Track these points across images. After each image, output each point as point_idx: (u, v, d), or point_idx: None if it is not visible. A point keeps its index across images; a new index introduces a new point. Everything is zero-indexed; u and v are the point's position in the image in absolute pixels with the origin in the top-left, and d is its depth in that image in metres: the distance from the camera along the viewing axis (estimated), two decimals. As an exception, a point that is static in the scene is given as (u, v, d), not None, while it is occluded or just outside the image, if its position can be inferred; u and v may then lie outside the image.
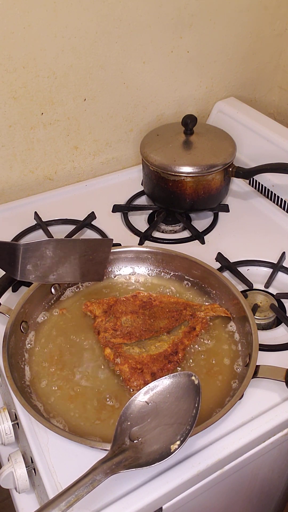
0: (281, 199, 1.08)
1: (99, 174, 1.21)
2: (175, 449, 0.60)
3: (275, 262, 0.94)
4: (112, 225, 1.04)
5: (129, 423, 0.62)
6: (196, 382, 0.64)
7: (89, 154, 1.17)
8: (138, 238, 1.00)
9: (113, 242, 0.88)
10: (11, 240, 1.00)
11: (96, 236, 1.01)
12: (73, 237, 1.00)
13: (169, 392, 0.65)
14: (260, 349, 0.74)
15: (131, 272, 0.90)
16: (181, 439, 0.60)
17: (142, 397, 0.64)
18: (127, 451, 0.60)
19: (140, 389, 0.71)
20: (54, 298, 0.85)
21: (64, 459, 0.65)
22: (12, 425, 0.72)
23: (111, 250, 0.88)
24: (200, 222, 1.06)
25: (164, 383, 0.65)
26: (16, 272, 0.73)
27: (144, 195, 1.13)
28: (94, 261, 0.82)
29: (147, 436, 0.61)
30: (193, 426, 0.61)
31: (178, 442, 0.60)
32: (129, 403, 0.63)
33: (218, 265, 0.93)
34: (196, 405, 0.63)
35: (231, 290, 0.81)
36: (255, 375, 0.70)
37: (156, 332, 0.78)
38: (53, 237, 1.01)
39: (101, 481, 0.56)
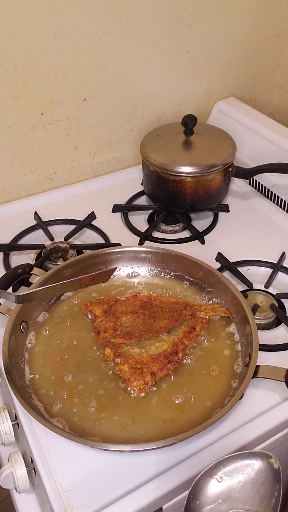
0: (281, 199, 1.08)
1: (99, 174, 1.21)
2: None
3: (275, 262, 0.94)
4: (112, 225, 1.04)
5: (198, 502, 0.55)
6: (276, 466, 0.55)
7: (89, 154, 1.17)
8: (138, 238, 1.00)
9: (113, 242, 0.87)
10: (11, 240, 1.00)
11: (96, 235, 1.02)
12: (72, 238, 1.00)
13: (241, 472, 0.56)
14: (260, 349, 0.74)
15: (131, 272, 0.90)
16: None
17: (212, 472, 0.56)
18: None
19: (140, 389, 0.71)
20: (54, 298, 0.85)
21: (64, 459, 0.65)
22: (12, 425, 0.72)
23: (111, 250, 0.89)
24: (200, 222, 1.06)
25: (236, 461, 0.56)
26: None
27: (144, 195, 1.13)
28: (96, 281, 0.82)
29: None
30: None
31: None
32: (198, 478, 0.56)
33: (218, 265, 0.93)
34: (276, 494, 0.54)
35: (231, 290, 0.81)
36: (255, 375, 0.70)
37: (156, 332, 0.78)
38: (53, 239, 1.01)
39: None
